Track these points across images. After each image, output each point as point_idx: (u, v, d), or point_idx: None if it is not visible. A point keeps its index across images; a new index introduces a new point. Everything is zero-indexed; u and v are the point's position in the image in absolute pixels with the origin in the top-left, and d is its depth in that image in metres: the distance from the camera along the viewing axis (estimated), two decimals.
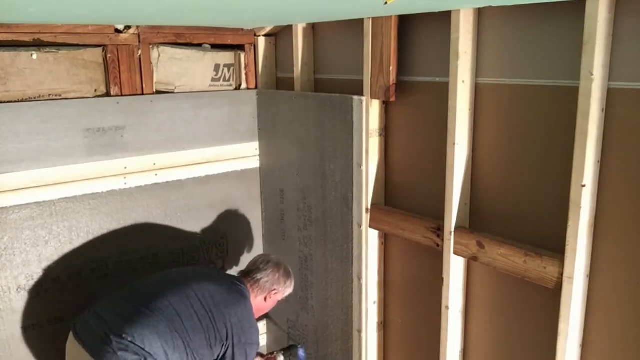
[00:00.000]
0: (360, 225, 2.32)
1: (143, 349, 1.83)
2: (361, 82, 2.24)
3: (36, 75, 2.19)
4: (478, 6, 1.79)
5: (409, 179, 2.25)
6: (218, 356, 2.03)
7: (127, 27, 2.38)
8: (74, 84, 2.30)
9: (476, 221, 1.99)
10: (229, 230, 2.85)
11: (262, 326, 3.00)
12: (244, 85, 2.84)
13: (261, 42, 2.80)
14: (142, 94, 2.47)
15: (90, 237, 2.39)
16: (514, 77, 1.80)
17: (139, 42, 2.43)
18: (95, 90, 2.37)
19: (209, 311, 2.01)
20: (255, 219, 2.95)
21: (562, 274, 1.67)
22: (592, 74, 1.51)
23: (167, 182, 2.58)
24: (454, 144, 1.91)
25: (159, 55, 2.50)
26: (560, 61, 1.67)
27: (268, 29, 2.74)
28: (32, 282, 2.27)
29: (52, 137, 2.23)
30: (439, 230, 2.04)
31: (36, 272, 2.28)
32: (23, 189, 2.19)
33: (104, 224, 2.42)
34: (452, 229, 1.98)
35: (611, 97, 1.55)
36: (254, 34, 2.79)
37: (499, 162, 1.89)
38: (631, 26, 1.49)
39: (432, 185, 2.12)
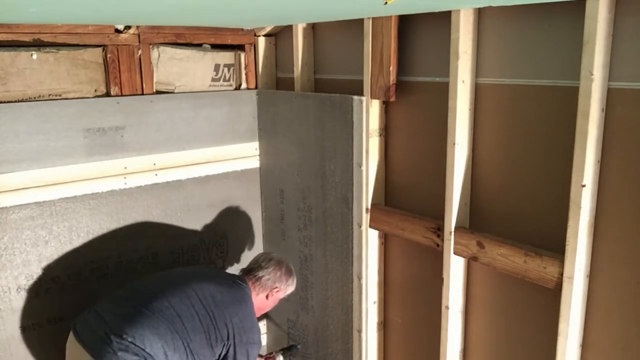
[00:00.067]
0: (360, 225, 2.32)
1: (143, 350, 1.83)
2: (361, 82, 2.24)
3: (36, 75, 2.19)
4: (478, 6, 1.79)
5: (409, 179, 2.25)
6: (219, 356, 2.03)
7: (127, 27, 2.38)
8: (74, 84, 2.30)
9: (476, 221, 1.99)
10: (229, 230, 2.85)
11: (262, 326, 3.00)
12: (244, 85, 2.84)
13: (261, 42, 2.80)
14: (142, 94, 2.47)
15: (90, 237, 2.39)
16: (514, 77, 1.80)
17: (139, 42, 2.43)
18: (95, 90, 2.37)
19: (209, 311, 2.01)
20: (255, 219, 2.95)
21: (562, 274, 1.67)
22: (592, 74, 1.51)
23: (167, 182, 2.57)
24: (454, 144, 1.91)
25: (159, 55, 2.50)
26: (560, 61, 1.67)
27: (268, 29, 2.74)
28: (32, 282, 2.27)
29: (52, 137, 2.23)
30: (439, 230, 2.04)
31: (36, 272, 2.28)
32: (23, 189, 2.19)
33: (104, 224, 2.42)
34: (452, 229, 1.98)
35: (611, 97, 1.55)
36: (254, 34, 2.79)
37: (499, 162, 1.89)
38: (631, 26, 1.49)
39: (432, 185, 2.12)
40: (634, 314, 1.59)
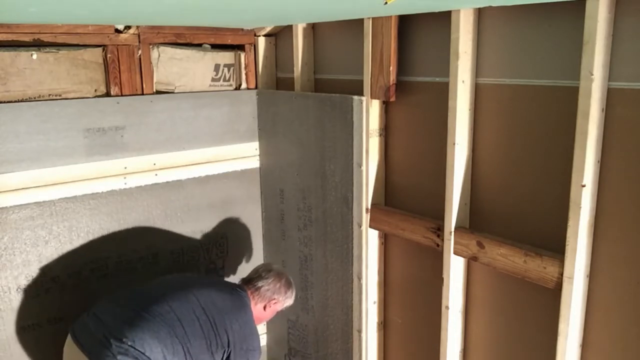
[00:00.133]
0: (360, 225, 2.32)
1: (143, 353, 1.83)
2: (361, 82, 2.24)
3: (36, 75, 2.19)
4: (478, 6, 1.79)
5: (409, 179, 2.25)
6: None
7: (127, 27, 2.38)
8: (74, 84, 2.30)
9: (476, 221, 1.99)
10: (229, 230, 2.85)
11: (262, 326, 3.00)
12: (244, 85, 2.84)
13: (261, 42, 2.80)
14: (142, 94, 2.47)
15: (90, 237, 2.39)
16: (514, 77, 1.80)
17: (139, 42, 2.43)
18: (95, 90, 2.37)
19: (210, 317, 2.00)
20: (255, 219, 2.95)
21: (562, 274, 1.67)
22: (592, 74, 1.51)
23: (167, 182, 2.57)
24: (454, 144, 1.91)
25: (159, 55, 2.50)
26: (560, 61, 1.67)
27: (268, 29, 2.74)
28: (32, 282, 2.27)
29: (52, 137, 2.23)
30: (439, 230, 2.04)
31: (36, 272, 2.28)
32: (23, 189, 2.19)
33: (104, 224, 2.42)
34: (452, 229, 1.98)
35: (611, 97, 1.55)
36: (254, 34, 2.79)
37: (499, 162, 1.89)
38: (631, 26, 1.49)
39: (432, 185, 2.12)
40: (634, 314, 1.59)
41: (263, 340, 3.01)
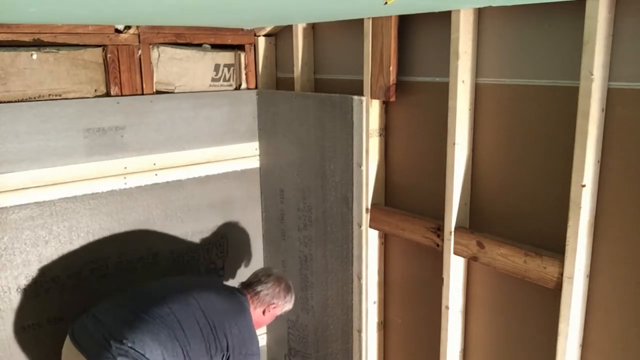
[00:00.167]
0: (360, 225, 2.32)
1: (143, 355, 1.82)
2: (361, 82, 2.24)
3: (36, 75, 2.19)
4: (478, 6, 1.79)
5: (409, 179, 2.25)
6: None
7: (127, 27, 2.38)
8: (74, 84, 2.30)
9: (476, 221, 1.99)
10: (229, 230, 2.85)
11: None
12: (244, 85, 2.84)
13: (261, 42, 2.80)
14: (142, 94, 2.47)
15: (90, 237, 2.39)
16: (514, 77, 1.80)
17: (139, 42, 2.43)
18: (95, 90, 2.37)
19: (210, 320, 2.00)
20: (255, 219, 2.95)
21: (562, 274, 1.67)
22: (592, 74, 1.51)
23: (167, 182, 2.57)
24: (454, 144, 1.91)
25: (159, 55, 2.50)
26: (560, 61, 1.67)
27: (268, 29, 2.74)
28: (32, 282, 2.27)
29: (52, 137, 2.23)
30: (439, 230, 2.04)
31: (36, 272, 2.27)
32: (23, 189, 2.19)
33: (104, 224, 2.42)
34: (452, 229, 1.98)
35: (611, 97, 1.55)
36: (254, 34, 2.79)
37: (499, 162, 1.89)
38: (631, 26, 1.49)
39: (432, 185, 2.12)
40: (634, 314, 1.59)
41: (263, 341, 3.01)
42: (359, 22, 2.19)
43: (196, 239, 2.73)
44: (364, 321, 2.40)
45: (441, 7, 1.81)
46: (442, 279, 2.05)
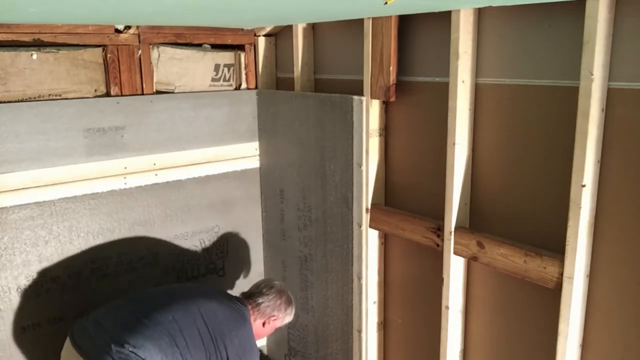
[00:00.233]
0: (360, 225, 2.32)
1: None
2: (361, 82, 2.24)
3: (36, 75, 2.19)
4: (478, 6, 1.79)
5: (409, 179, 2.25)
6: None
7: (127, 27, 2.38)
8: (74, 84, 2.30)
9: (476, 221, 1.99)
10: (229, 230, 2.85)
11: None
12: (244, 85, 2.84)
13: (261, 42, 2.80)
14: (142, 94, 2.47)
15: (90, 237, 2.39)
16: (514, 77, 1.80)
17: (139, 42, 2.43)
18: (95, 90, 2.37)
19: (211, 330, 2.00)
20: (255, 219, 2.95)
21: (562, 274, 1.67)
22: (592, 74, 1.51)
23: (167, 182, 2.57)
24: (454, 144, 1.91)
25: (159, 55, 2.50)
26: (560, 61, 1.67)
27: (268, 29, 2.74)
28: (32, 282, 2.27)
29: (52, 137, 2.23)
30: (439, 230, 2.04)
31: (36, 272, 2.27)
32: (23, 189, 2.19)
33: (104, 224, 2.42)
34: (452, 229, 1.98)
35: (611, 97, 1.55)
36: (254, 34, 2.79)
37: (499, 162, 1.89)
38: (631, 26, 1.49)
39: (432, 185, 2.12)
40: (634, 314, 1.59)
41: (263, 341, 3.02)
42: (359, 22, 2.19)
43: (196, 239, 2.73)
44: (364, 321, 2.40)
45: (441, 7, 1.81)
46: (442, 279, 2.05)
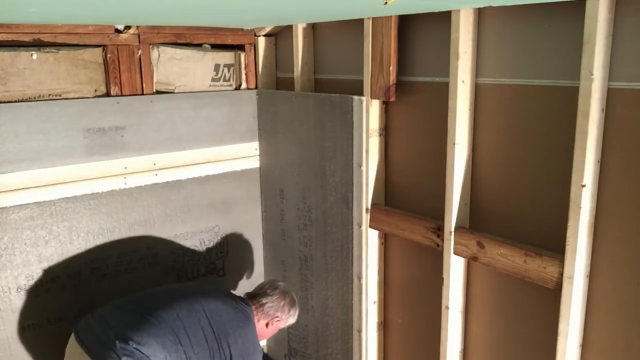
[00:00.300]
0: (360, 225, 2.32)
1: (148, 357, 1.82)
2: (361, 82, 2.24)
3: (36, 75, 2.19)
4: (478, 6, 1.79)
5: (409, 179, 2.25)
6: None
7: (127, 27, 2.38)
8: (74, 84, 2.30)
9: (476, 221, 1.99)
10: (229, 230, 2.85)
11: None
12: (244, 85, 2.84)
13: (261, 42, 2.80)
14: (142, 94, 2.47)
15: (90, 237, 2.39)
16: (514, 77, 1.80)
17: (139, 42, 2.43)
18: (95, 90, 2.37)
19: (215, 329, 2.00)
20: (255, 219, 2.95)
21: (562, 274, 1.67)
22: (592, 74, 1.51)
23: (167, 182, 2.57)
24: (454, 144, 1.91)
25: (159, 55, 2.50)
26: (560, 61, 1.67)
27: (268, 29, 2.74)
28: (32, 282, 2.27)
29: (52, 137, 2.23)
30: (439, 230, 2.04)
31: (36, 272, 2.28)
32: (23, 189, 2.19)
33: (104, 224, 2.42)
34: (452, 229, 1.98)
35: (611, 97, 1.55)
36: (254, 34, 2.79)
37: (499, 162, 1.89)
38: (631, 26, 1.49)
39: (432, 185, 2.12)
40: (634, 314, 1.59)
41: (263, 340, 3.01)
42: (359, 22, 2.19)
43: (196, 239, 2.73)
44: (364, 321, 2.40)
45: (441, 7, 1.81)
46: (442, 279, 2.05)
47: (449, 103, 1.90)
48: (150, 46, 2.47)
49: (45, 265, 2.29)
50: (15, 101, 2.16)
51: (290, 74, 2.66)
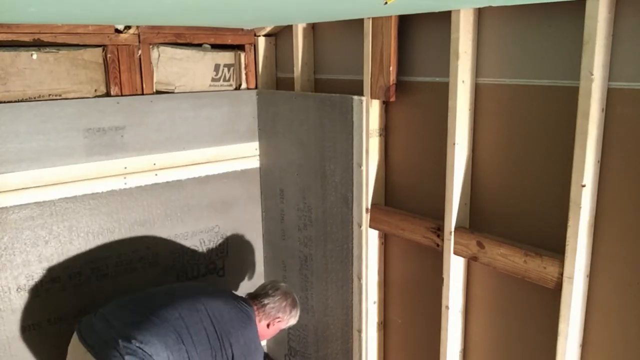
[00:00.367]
0: (360, 225, 2.32)
1: (150, 356, 1.82)
2: (361, 82, 2.24)
3: (36, 75, 2.19)
4: (478, 6, 1.79)
5: (409, 179, 2.25)
6: None
7: (127, 27, 2.38)
8: (74, 84, 2.30)
9: (476, 221, 1.99)
10: (229, 230, 2.85)
11: None
12: (244, 85, 2.84)
13: (261, 42, 2.80)
14: (142, 94, 2.47)
15: (90, 237, 2.39)
16: (514, 77, 1.80)
17: (139, 42, 2.43)
18: (95, 90, 2.37)
19: (217, 328, 2.01)
20: (255, 219, 2.95)
21: (562, 274, 1.67)
22: (592, 74, 1.51)
23: (167, 182, 2.57)
24: (454, 144, 1.91)
25: (159, 55, 2.50)
26: (560, 61, 1.67)
27: (268, 29, 2.74)
28: (32, 282, 2.27)
29: (52, 137, 2.23)
30: (439, 230, 2.04)
31: (36, 272, 2.28)
32: (23, 189, 2.19)
33: (104, 224, 2.42)
34: (452, 229, 1.98)
35: (611, 97, 1.55)
36: (254, 34, 2.79)
37: (499, 162, 1.89)
38: (631, 26, 1.49)
39: (432, 185, 2.12)
40: (634, 314, 1.59)
41: (263, 340, 3.01)
42: (359, 22, 2.19)
43: (196, 239, 2.73)
44: (364, 321, 2.40)
45: (441, 7, 1.81)
46: (442, 279, 2.05)
47: (449, 103, 1.90)
48: (150, 46, 2.47)
49: (46, 265, 2.29)
50: (15, 101, 2.16)
51: (290, 74, 2.66)
